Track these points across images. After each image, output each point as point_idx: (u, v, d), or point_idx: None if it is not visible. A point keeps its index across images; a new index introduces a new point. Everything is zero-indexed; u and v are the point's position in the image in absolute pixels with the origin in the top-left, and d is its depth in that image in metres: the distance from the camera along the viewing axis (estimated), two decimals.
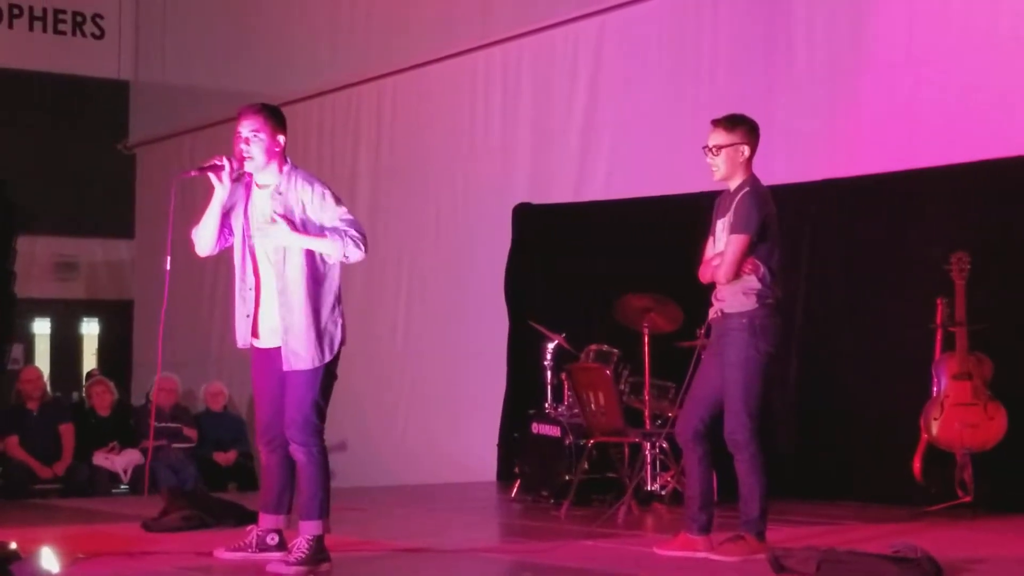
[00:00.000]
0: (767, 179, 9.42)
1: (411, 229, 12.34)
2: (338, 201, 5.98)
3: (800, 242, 9.36)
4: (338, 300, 6.03)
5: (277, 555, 6.06)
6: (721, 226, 6.34)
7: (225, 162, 5.97)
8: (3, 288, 14.69)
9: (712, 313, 6.33)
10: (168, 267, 6.37)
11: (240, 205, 6.11)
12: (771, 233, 6.22)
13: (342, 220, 5.91)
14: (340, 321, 6.01)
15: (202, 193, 14.58)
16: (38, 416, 11.26)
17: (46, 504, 10.07)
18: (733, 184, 6.30)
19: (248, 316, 6.04)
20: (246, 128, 6.00)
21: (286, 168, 6.03)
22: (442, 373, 11.83)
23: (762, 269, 6.17)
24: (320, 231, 5.90)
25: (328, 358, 5.95)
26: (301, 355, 5.90)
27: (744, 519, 6.20)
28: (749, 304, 6.14)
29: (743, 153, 6.26)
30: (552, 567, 6.15)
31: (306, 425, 5.89)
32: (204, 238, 6.13)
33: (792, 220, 9.37)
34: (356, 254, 5.88)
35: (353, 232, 5.87)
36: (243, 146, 5.99)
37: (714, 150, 6.27)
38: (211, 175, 6.00)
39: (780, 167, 9.41)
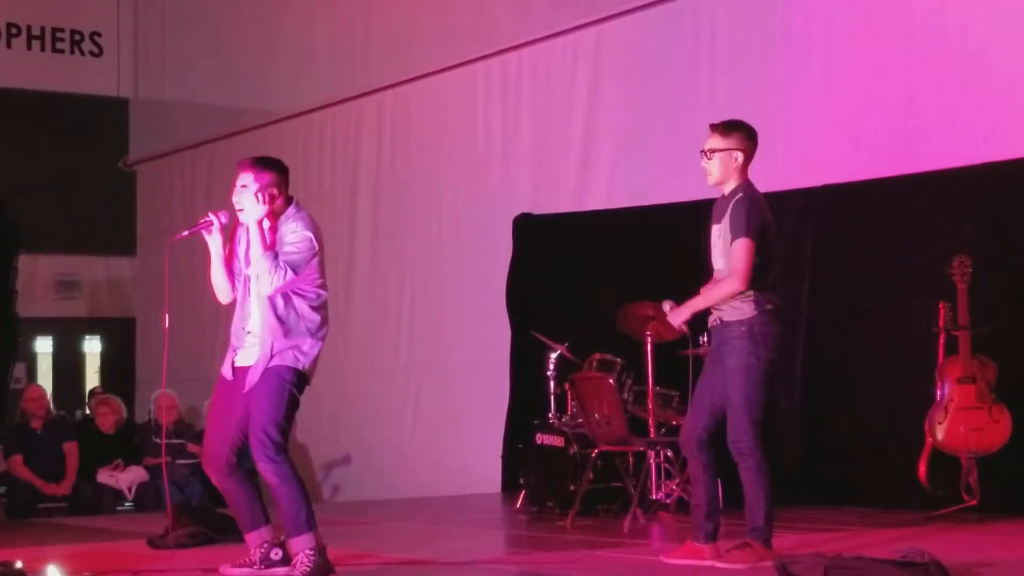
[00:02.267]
0: (767, 185, 9.44)
1: (413, 241, 12.35)
2: (309, 248, 6.01)
3: (802, 248, 9.36)
4: (317, 335, 6.08)
5: (283, 570, 6.06)
6: (716, 232, 6.34)
7: (213, 218, 6.11)
8: (5, 307, 14.67)
9: (712, 321, 6.31)
10: (167, 325, 6.71)
11: (240, 251, 6.21)
12: (768, 239, 6.21)
13: (288, 247, 5.99)
14: (315, 352, 6.06)
15: (202, 208, 14.59)
16: (42, 435, 11.24)
17: (51, 523, 10.06)
18: (727, 189, 6.31)
19: (235, 350, 6.16)
20: (237, 180, 6.12)
21: (289, 210, 6.10)
22: (445, 385, 11.82)
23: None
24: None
25: (301, 364, 6.00)
26: (278, 356, 5.96)
27: (750, 527, 6.18)
28: (748, 311, 6.13)
29: (737, 159, 6.26)
30: None
31: (271, 444, 5.91)
32: (217, 288, 6.28)
33: (793, 226, 9.39)
34: (266, 279, 5.92)
35: (281, 262, 5.94)
36: (233, 196, 6.11)
37: (708, 154, 6.27)
38: (204, 232, 6.14)
39: (780, 173, 9.41)
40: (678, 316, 6.44)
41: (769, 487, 6.16)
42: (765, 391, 6.16)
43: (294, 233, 6.03)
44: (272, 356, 5.98)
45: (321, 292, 6.11)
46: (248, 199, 6.03)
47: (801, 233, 9.39)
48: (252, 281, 6.10)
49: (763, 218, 6.20)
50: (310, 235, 6.04)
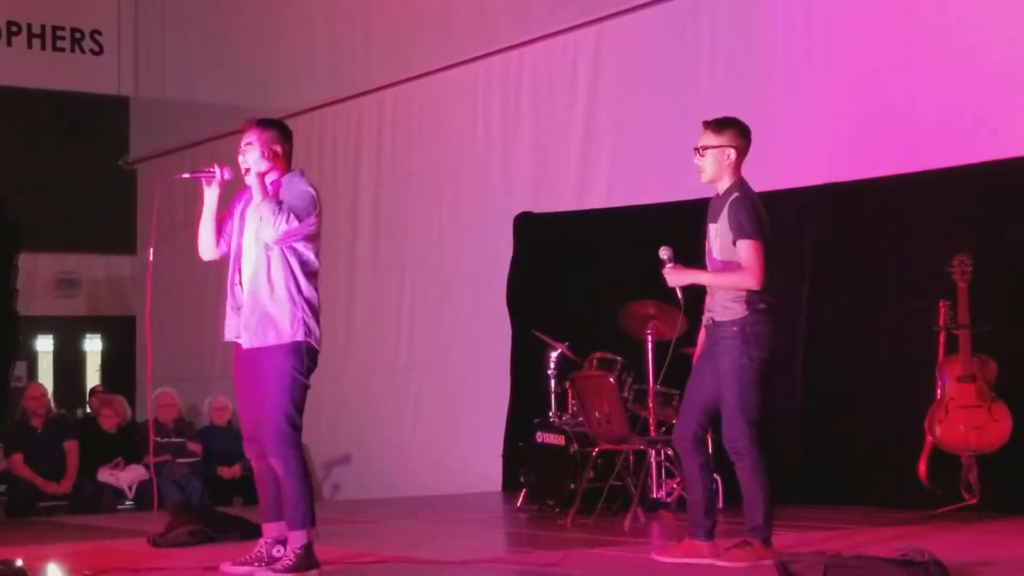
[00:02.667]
0: (768, 184, 9.46)
1: (413, 241, 12.35)
2: (311, 200, 6.06)
3: (801, 247, 9.37)
4: (314, 306, 6.09)
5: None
6: (714, 232, 6.33)
7: (217, 170, 6.17)
8: (5, 306, 14.68)
9: (704, 320, 6.33)
10: (151, 258, 6.51)
11: (238, 211, 6.25)
12: (765, 238, 6.21)
13: (290, 197, 6.04)
14: (317, 328, 6.07)
15: (201, 207, 14.55)
16: (42, 433, 11.25)
17: (52, 521, 10.05)
18: (721, 187, 6.32)
19: (236, 309, 6.15)
20: (242, 140, 6.20)
21: (288, 176, 6.15)
22: (446, 384, 11.83)
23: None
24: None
25: (301, 338, 5.99)
26: (274, 328, 5.97)
27: (749, 525, 6.19)
28: (740, 311, 6.15)
29: (729, 156, 6.27)
30: None
31: (281, 436, 5.94)
32: (202, 240, 6.31)
33: (793, 225, 9.40)
34: (269, 222, 5.92)
35: (284, 206, 5.97)
36: (239, 156, 6.17)
37: (701, 151, 6.27)
38: (203, 181, 6.20)
39: (780, 172, 9.42)
40: (678, 278, 6.40)
41: (767, 485, 6.16)
42: (759, 390, 6.16)
43: (296, 187, 6.12)
44: (271, 330, 5.98)
45: (315, 259, 6.12)
46: (253, 155, 6.09)
47: (800, 232, 9.40)
48: (250, 236, 6.10)
49: (761, 217, 6.20)
50: (312, 191, 6.12)
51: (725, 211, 6.22)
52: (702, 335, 6.45)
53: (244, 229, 6.19)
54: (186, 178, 6.48)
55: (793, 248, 9.44)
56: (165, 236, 15.42)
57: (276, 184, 6.15)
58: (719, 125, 6.32)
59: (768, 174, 9.49)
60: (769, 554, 6.02)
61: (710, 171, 6.31)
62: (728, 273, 6.26)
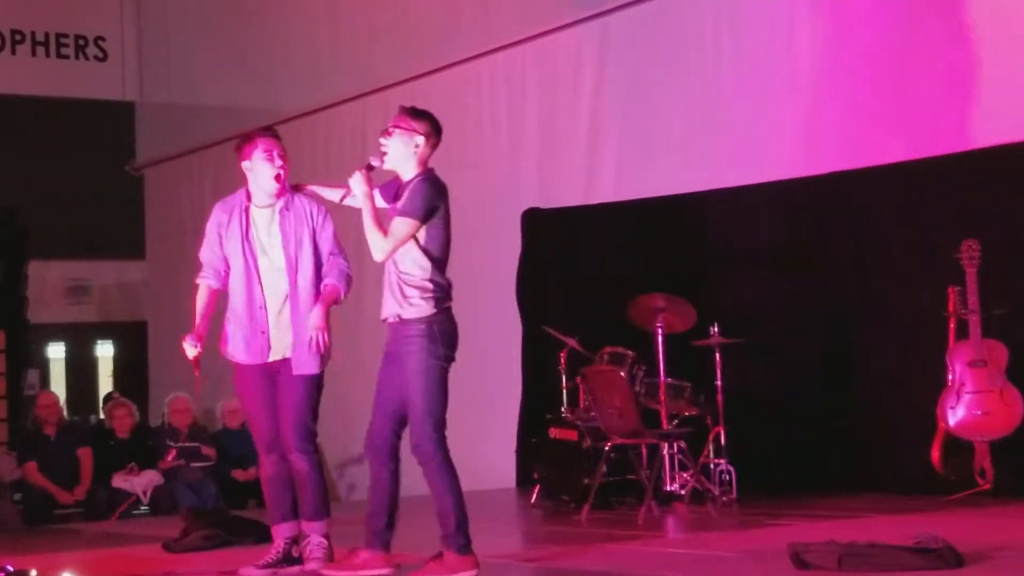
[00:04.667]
0: (775, 174, 9.48)
1: None
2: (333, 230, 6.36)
3: (811, 235, 9.35)
4: None
5: (296, 568, 6.23)
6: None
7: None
8: (16, 314, 14.72)
9: (389, 318, 6.04)
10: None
11: (237, 234, 6.31)
12: (448, 233, 6.06)
13: (333, 254, 6.35)
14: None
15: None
16: (56, 441, 11.27)
17: (67, 529, 10.08)
18: (406, 176, 6.01)
19: (263, 333, 6.25)
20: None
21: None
22: (457, 381, 11.67)
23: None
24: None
25: (323, 366, 6.29)
26: (307, 360, 6.20)
27: (443, 534, 5.91)
28: (428, 309, 5.95)
29: (417, 143, 5.95)
30: (575, 571, 6.14)
31: (307, 432, 6.20)
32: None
33: (802, 214, 9.39)
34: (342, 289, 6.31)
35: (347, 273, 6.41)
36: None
37: (389, 131, 5.95)
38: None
39: (787, 161, 9.43)
40: (360, 187, 5.96)
41: (457, 489, 5.93)
42: (446, 391, 5.98)
43: (325, 217, 6.48)
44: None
45: None
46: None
47: (809, 221, 9.39)
48: (271, 268, 6.26)
49: (435, 208, 5.98)
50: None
51: (406, 192, 5.94)
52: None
53: (260, 251, 6.27)
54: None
55: (802, 237, 9.43)
56: (175, 242, 15.52)
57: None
58: (415, 113, 6.01)
59: (775, 165, 9.52)
60: (468, 564, 5.82)
61: (393, 154, 5.94)
62: (379, 223, 5.92)
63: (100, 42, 16.12)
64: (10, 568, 4.44)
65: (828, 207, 9.31)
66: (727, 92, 9.90)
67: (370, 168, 5.98)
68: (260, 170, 6.27)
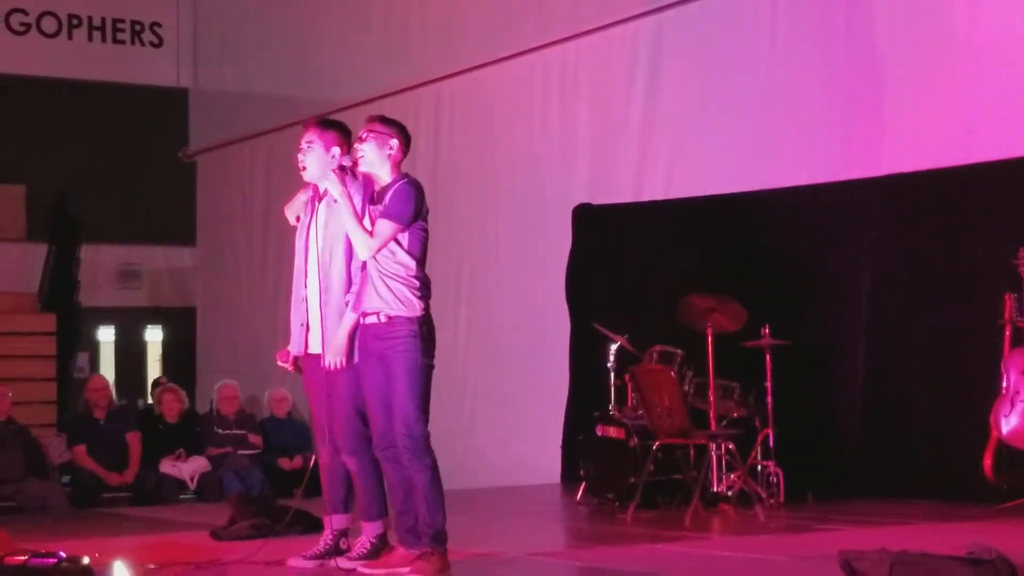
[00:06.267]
0: (828, 175, 9.41)
1: (470, 232, 12.33)
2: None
3: (864, 238, 9.28)
4: None
5: (343, 559, 6.23)
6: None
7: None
8: (68, 297, 14.84)
9: (372, 318, 5.94)
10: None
11: (305, 218, 6.32)
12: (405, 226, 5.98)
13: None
14: None
15: (262, 198, 14.60)
16: (105, 425, 11.34)
17: (115, 513, 10.15)
18: (383, 179, 6.05)
19: (302, 325, 6.27)
20: (303, 139, 6.27)
21: (347, 178, 6.12)
22: (504, 376, 11.81)
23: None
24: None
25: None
26: (333, 356, 6.08)
27: (431, 532, 5.90)
28: (418, 308, 5.91)
29: (392, 146, 6.02)
30: (619, 572, 6.12)
31: (355, 434, 6.15)
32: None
33: (856, 215, 9.31)
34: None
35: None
36: (298, 155, 6.25)
37: (363, 137, 6.03)
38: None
39: (842, 162, 9.36)
40: (334, 186, 6.01)
41: (441, 488, 5.93)
42: (430, 389, 5.95)
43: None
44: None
45: None
46: (311, 158, 6.20)
47: (863, 223, 9.31)
48: (314, 259, 6.22)
49: (421, 211, 5.98)
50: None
51: (388, 195, 5.97)
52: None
53: (310, 243, 6.26)
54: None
55: (855, 238, 9.36)
56: (225, 229, 15.60)
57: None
58: (386, 120, 6.12)
59: (830, 165, 9.46)
60: (444, 564, 5.85)
61: (369, 157, 6.01)
62: (361, 222, 5.92)
63: (156, 28, 16.19)
64: (63, 555, 4.46)
65: (883, 208, 9.22)
66: (781, 90, 9.84)
67: (343, 169, 6.09)
68: None
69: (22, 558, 4.51)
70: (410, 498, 5.96)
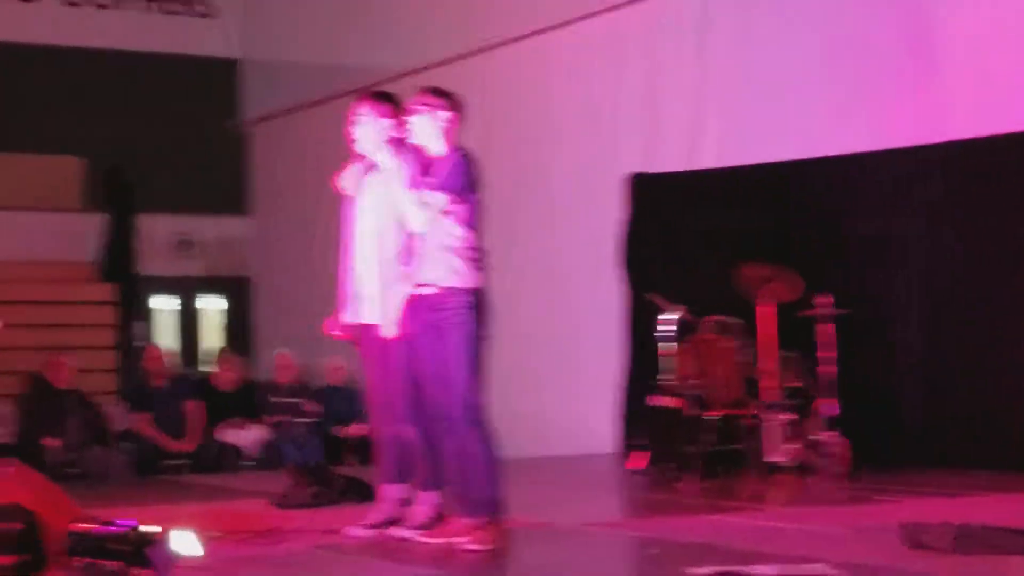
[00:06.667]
0: (887, 143, 9.32)
1: (524, 202, 12.30)
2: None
3: (925, 203, 9.18)
4: None
5: (399, 529, 6.26)
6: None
7: None
8: (126, 267, 14.96)
9: (425, 288, 5.97)
10: None
11: (359, 191, 6.39)
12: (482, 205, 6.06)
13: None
14: None
15: (316, 168, 14.60)
16: (165, 393, 11.45)
17: (176, 480, 10.25)
18: (435, 151, 6.08)
19: (357, 296, 6.34)
20: (354, 112, 6.32)
21: (400, 152, 6.14)
22: (560, 346, 11.81)
23: None
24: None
25: None
26: (388, 327, 6.11)
27: (474, 499, 5.94)
28: (473, 279, 5.93)
29: (440, 119, 6.04)
30: (677, 542, 6.12)
31: (411, 404, 6.17)
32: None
33: (919, 181, 9.22)
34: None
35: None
36: (351, 128, 6.31)
37: (412, 110, 6.05)
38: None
39: (900, 129, 9.27)
40: (390, 158, 6.12)
41: (495, 459, 5.95)
42: (484, 361, 5.96)
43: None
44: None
45: None
46: (363, 131, 6.26)
47: (926, 188, 9.22)
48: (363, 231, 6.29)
49: (475, 182, 6.02)
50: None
51: (441, 167, 5.99)
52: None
53: (360, 213, 6.31)
54: None
55: (912, 206, 9.28)
56: (276, 198, 15.65)
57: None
58: (437, 92, 6.12)
59: (887, 131, 9.37)
60: (493, 535, 5.85)
61: (420, 131, 6.03)
62: (415, 194, 5.94)
63: None
64: (136, 523, 4.51)
65: (945, 175, 9.10)
66: (834, 56, 9.74)
67: (395, 141, 6.13)
68: None
69: (89, 525, 4.55)
70: (466, 468, 5.99)
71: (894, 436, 9.00)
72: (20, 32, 14.88)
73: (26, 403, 11.15)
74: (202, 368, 14.57)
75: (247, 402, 11.72)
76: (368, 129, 6.24)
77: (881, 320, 9.23)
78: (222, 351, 13.39)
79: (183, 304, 15.81)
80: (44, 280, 14.47)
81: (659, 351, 9.37)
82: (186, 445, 11.20)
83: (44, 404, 10.97)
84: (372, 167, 6.29)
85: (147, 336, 14.91)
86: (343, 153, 6.56)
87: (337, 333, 6.45)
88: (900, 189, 9.40)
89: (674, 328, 9.24)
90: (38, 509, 4.59)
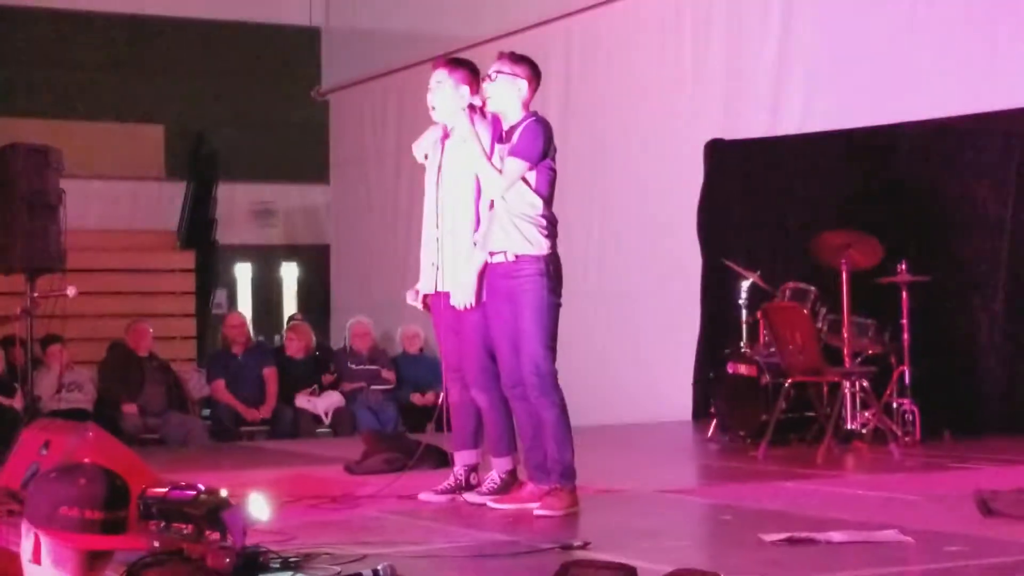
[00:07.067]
0: (967, 108, 9.17)
1: (602, 168, 12.27)
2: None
3: (1008, 168, 9.03)
4: None
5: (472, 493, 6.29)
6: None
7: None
8: (205, 234, 15.12)
9: (499, 256, 5.94)
10: None
11: (435, 157, 6.28)
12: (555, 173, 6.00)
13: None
14: None
15: (396, 136, 14.60)
16: (243, 360, 11.58)
17: (253, 446, 10.38)
18: (512, 119, 6.03)
19: (433, 264, 6.30)
20: (431, 79, 6.29)
21: (476, 117, 6.10)
22: (634, 313, 11.77)
23: None
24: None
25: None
26: (462, 296, 6.10)
27: (556, 469, 5.91)
28: (545, 247, 5.89)
29: (521, 88, 5.98)
30: (752, 509, 6.09)
31: (484, 371, 6.17)
32: None
33: (1001, 147, 9.07)
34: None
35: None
36: (428, 95, 6.28)
37: (493, 75, 5.99)
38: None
39: (981, 94, 9.11)
40: (467, 124, 6.03)
41: (569, 425, 5.94)
42: (556, 328, 5.92)
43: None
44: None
45: None
46: (440, 97, 6.22)
47: (1008, 154, 9.06)
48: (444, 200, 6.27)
49: (548, 149, 5.95)
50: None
51: (517, 133, 5.94)
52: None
53: (440, 182, 6.28)
54: None
55: (994, 173, 9.13)
56: (358, 168, 15.72)
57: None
58: (516, 58, 6.06)
59: (972, 96, 9.22)
60: (574, 499, 5.84)
61: (498, 98, 5.98)
62: (491, 160, 5.93)
63: None
64: (201, 487, 4.56)
65: (1021, 143, 8.96)
66: (920, 21, 9.59)
67: (472, 108, 6.07)
68: None
69: (163, 489, 4.61)
70: (539, 434, 6.00)
71: (975, 403, 8.89)
72: (105, 2, 15.03)
73: (107, 370, 11.33)
74: (281, 336, 14.69)
75: (317, 369, 11.81)
76: (446, 96, 6.22)
77: (963, 287, 9.11)
78: (292, 319, 13.50)
79: (263, 272, 15.94)
80: (126, 248, 14.65)
81: (735, 318, 9.34)
82: (262, 412, 11.32)
83: (125, 371, 11.14)
84: (448, 134, 6.29)
85: (227, 304, 15.06)
86: (422, 121, 6.57)
87: (415, 303, 6.47)
88: (985, 155, 9.25)
89: (751, 295, 9.21)
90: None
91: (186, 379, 11.81)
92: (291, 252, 16.15)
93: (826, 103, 10.27)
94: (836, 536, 4.95)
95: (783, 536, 4.94)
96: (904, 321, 8.49)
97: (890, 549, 4.86)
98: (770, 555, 4.77)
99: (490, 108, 6.06)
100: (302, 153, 16.01)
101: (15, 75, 14.72)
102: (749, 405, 8.70)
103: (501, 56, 6.10)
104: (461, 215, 6.19)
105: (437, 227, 6.28)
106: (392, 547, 4.94)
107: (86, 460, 3.86)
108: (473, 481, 6.38)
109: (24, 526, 2.87)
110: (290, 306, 15.62)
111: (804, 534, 4.95)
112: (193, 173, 15.25)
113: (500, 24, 13.25)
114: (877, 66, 9.84)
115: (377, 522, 5.79)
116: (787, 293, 8.69)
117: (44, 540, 2.83)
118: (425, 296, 6.41)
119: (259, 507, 4.71)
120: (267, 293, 15.86)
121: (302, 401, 11.43)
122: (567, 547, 4.90)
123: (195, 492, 4.58)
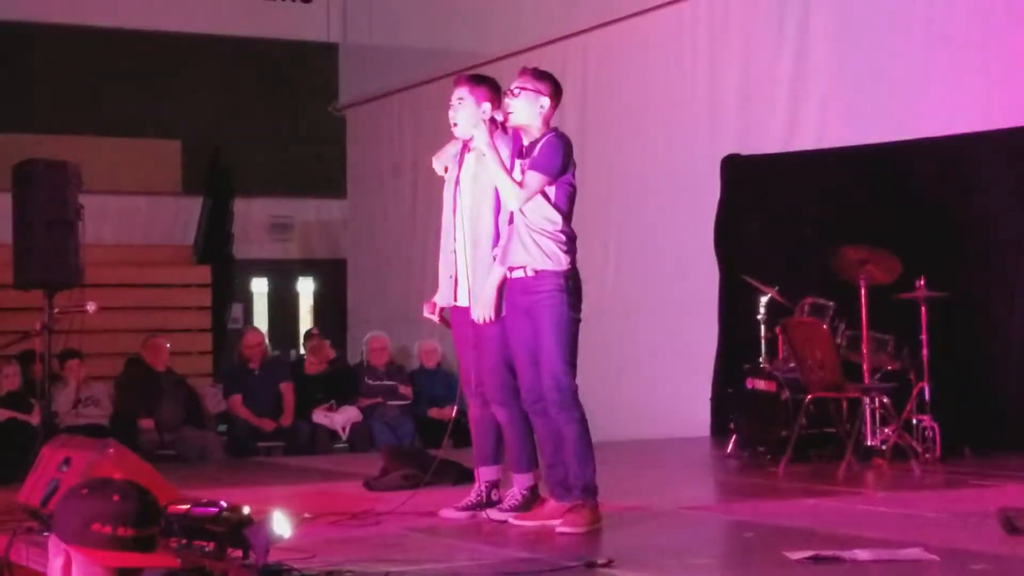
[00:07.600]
0: (985, 124, 9.15)
1: (619, 183, 12.27)
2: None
3: (1020, 188, 9.01)
4: None
5: (495, 510, 6.26)
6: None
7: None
8: (222, 249, 15.14)
9: (519, 272, 5.93)
10: None
11: (454, 170, 6.28)
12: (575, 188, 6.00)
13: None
14: None
15: (413, 151, 14.60)
16: (259, 375, 11.58)
17: (270, 462, 10.36)
18: (533, 134, 6.03)
19: (451, 277, 6.29)
20: (453, 95, 6.28)
21: (497, 132, 6.09)
22: (653, 328, 11.75)
23: None
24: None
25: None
26: (482, 310, 6.09)
27: (581, 485, 5.89)
28: (565, 263, 5.89)
29: (543, 105, 5.98)
30: (771, 526, 6.07)
31: (504, 386, 6.13)
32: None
33: (1013, 166, 9.05)
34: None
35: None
36: (449, 112, 6.26)
37: (515, 92, 5.98)
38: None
39: (999, 110, 9.10)
40: (485, 136, 6.00)
41: (591, 442, 5.93)
42: (576, 344, 5.92)
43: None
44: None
45: None
46: (462, 114, 6.21)
47: (1020, 172, 9.04)
48: (462, 212, 6.25)
49: (567, 165, 5.95)
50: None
51: (537, 148, 5.95)
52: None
53: (460, 195, 6.26)
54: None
55: (1011, 188, 9.12)
56: (374, 182, 15.74)
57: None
58: (539, 74, 6.05)
59: (989, 112, 9.20)
60: (597, 516, 5.82)
61: (520, 113, 5.98)
62: (510, 173, 5.92)
63: None
64: (224, 504, 4.56)
65: None
66: (936, 37, 9.58)
67: (493, 122, 6.07)
68: None
69: (185, 506, 4.60)
70: (560, 451, 5.99)
71: (994, 420, 8.85)
72: (123, 18, 15.09)
73: (124, 385, 11.33)
74: (299, 350, 14.70)
75: (334, 384, 11.81)
76: (467, 112, 6.21)
77: (982, 303, 9.08)
78: (308, 334, 13.51)
79: (279, 286, 15.96)
80: (142, 263, 14.70)
81: (753, 333, 9.32)
82: (283, 421, 11.31)
83: (142, 386, 11.14)
84: (468, 147, 6.28)
85: (243, 319, 15.07)
86: (441, 136, 6.57)
87: (432, 316, 6.46)
88: (1001, 170, 9.23)
89: (769, 310, 9.19)
90: None
91: (203, 394, 11.82)
92: (308, 266, 16.18)
93: (841, 119, 10.26)
94: (861, 554, 4.93)
95: (808, 554, 4.92)
96: (923, 337, 8.46)
97: (916, 568, 4.84)
98: (796, 573, 4.76)
99: (512, 123, 6.06)
100: (319, 168, 16.04)
101: (34, 91, 14.78)
102: (769, 421, 8.68)
103: (524, 72, 6.10)
104: (480, 228, 6.19)
105: (455, 240, 6.28)
106: (414, 564, 4.93)
107: (115, 476, 3.85)
108: (494, 497, 6.35)
109: (52, 543, 2.85)
110: (306, 321, 15.63)
111: (829, 552, 4.93)
112: (210, 188, 15.29)
113: (515, 41, 13.28)
114: (893, 83, 9.83)
115: (399, 539, 5.77)
116: (806, 308, 8.67)
117: (75, 557, 2.81)
118: (442, 309, 6.40)
119: (281, 524, 4.69)
120: (284, 308, 15.88)
121: (319, 416, 11.43)
122: (591, 564, 4.89)
123: (217, 509, 4.57)
